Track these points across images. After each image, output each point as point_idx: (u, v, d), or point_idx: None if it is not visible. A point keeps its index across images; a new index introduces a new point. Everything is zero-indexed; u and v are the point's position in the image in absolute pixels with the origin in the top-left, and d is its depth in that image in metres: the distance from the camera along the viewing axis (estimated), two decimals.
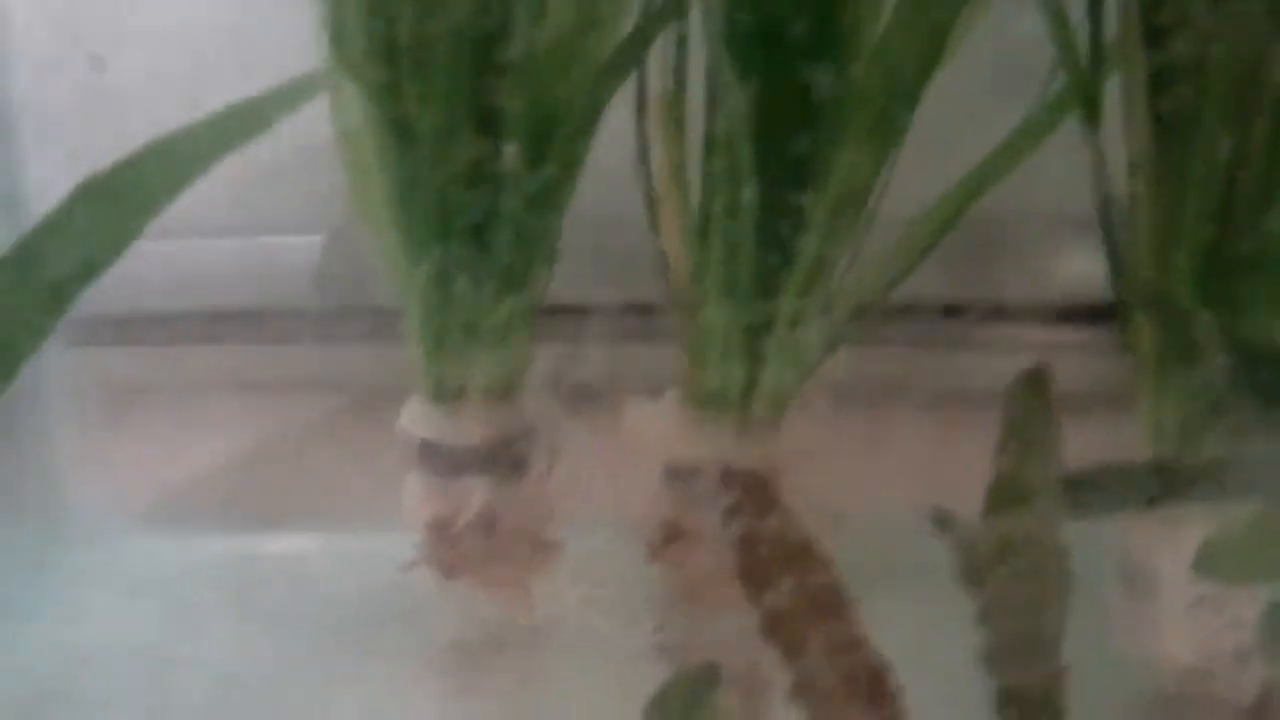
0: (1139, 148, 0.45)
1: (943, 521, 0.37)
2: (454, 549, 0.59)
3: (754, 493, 0.41)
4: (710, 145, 0.54)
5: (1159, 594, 0.49)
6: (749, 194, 0.52)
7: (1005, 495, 0.35)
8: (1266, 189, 0.45)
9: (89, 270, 0.43)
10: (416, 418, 0.59)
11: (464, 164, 0.55)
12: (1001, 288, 0.74)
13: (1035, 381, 0.37)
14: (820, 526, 0.59)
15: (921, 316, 0.76)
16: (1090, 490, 0.34)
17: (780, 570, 0.38)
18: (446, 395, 0.58)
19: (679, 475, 0.58)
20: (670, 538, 0.58)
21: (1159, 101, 0.45)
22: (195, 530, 0.70)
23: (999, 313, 0.75)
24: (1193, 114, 0.44)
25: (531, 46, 0.54)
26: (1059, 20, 0.46)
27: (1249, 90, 0.45)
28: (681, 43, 0.55)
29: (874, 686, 0.37)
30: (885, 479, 0.72)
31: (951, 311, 0.76)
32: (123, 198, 0.44)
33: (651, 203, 0.57)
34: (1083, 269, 0.63)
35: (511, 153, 0.55)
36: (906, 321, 0.75)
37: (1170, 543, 0.47)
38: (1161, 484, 0.34)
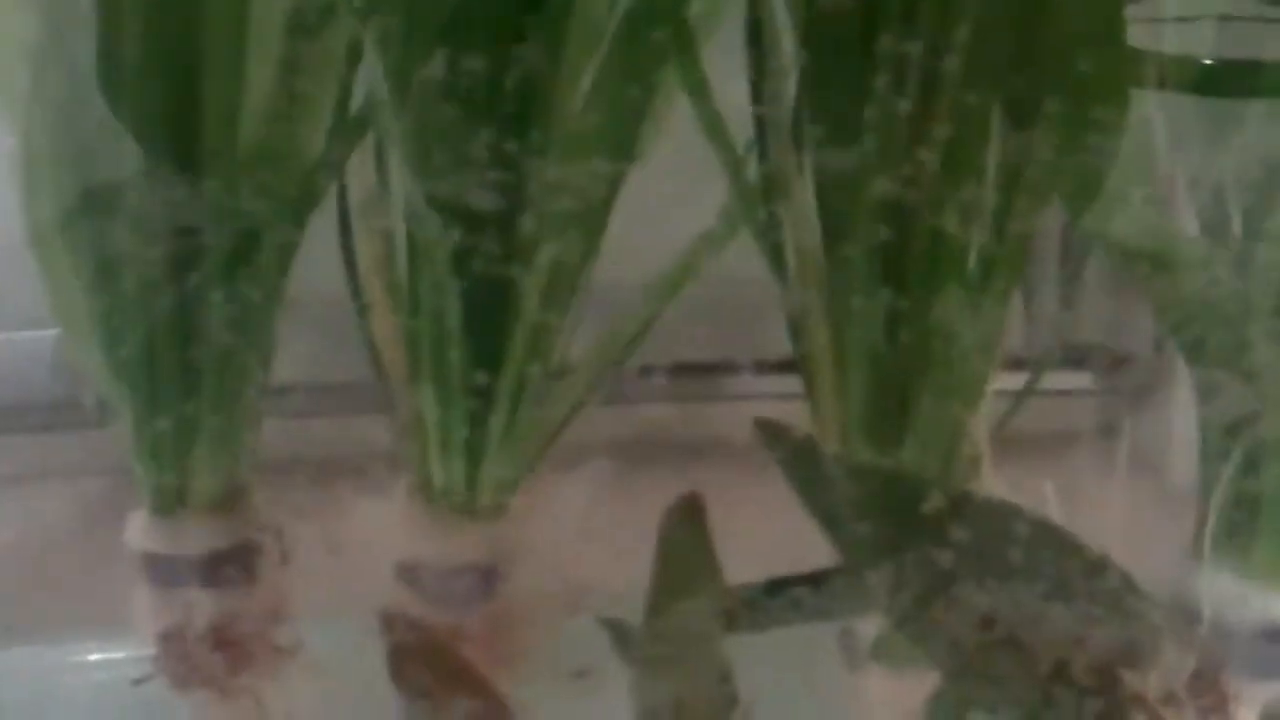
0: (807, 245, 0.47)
1: (615, 629, 0.39)
2: (185, 661, 0.58)
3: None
4: (412, 247, 0.54)
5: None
6: (453, 296, 0.53)
7: (661, 611, 0.37)
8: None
9: None
10: (139, 530, 0.58)
11: (168, 267, 0.54)
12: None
13: (689, 509, 0.38)
14: (559, 610, 0.60)
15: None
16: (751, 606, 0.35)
17: None
18: (167, 507, 0.57)
19: (409, 569, 0.58)
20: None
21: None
22: None
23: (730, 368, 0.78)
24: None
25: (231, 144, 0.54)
26: (724, 146, 0.47)
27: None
28: (380, 149, 0.55)
29: None
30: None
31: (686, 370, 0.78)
32: None
33: (360, 299, 0.57)
34: None
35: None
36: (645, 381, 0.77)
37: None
38: (812, 599, 0.36)
